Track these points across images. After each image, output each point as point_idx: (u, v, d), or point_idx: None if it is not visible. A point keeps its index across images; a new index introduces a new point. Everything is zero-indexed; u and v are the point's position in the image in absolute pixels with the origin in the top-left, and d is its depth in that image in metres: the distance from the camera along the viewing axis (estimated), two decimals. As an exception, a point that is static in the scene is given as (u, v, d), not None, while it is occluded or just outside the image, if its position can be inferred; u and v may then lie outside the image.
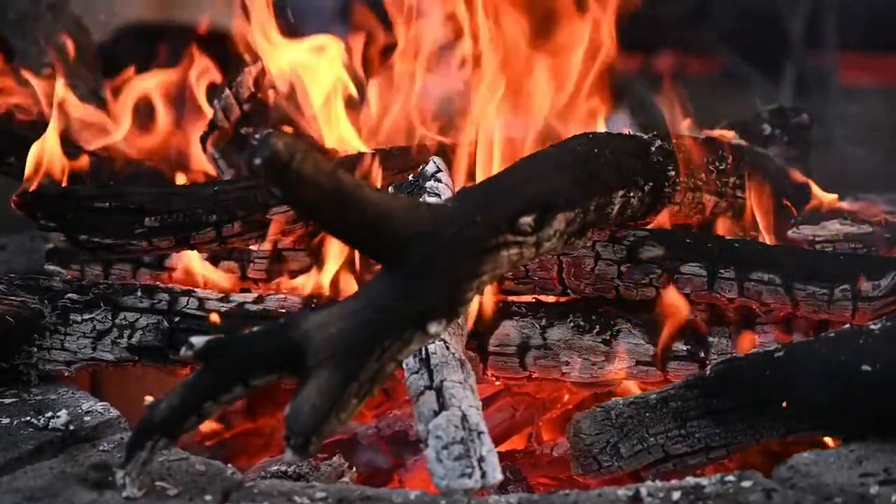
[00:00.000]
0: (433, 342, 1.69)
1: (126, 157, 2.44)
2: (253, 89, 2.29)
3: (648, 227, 1.99)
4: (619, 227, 1.96)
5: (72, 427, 1.80)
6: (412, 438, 2.04)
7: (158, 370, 2.08)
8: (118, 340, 2.01)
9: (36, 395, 1.94)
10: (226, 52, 2.50)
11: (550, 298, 2.05)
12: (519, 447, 2.08)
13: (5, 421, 1.82)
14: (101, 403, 1.88)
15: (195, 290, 2.08)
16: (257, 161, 1.34)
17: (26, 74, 2.45)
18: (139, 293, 2.04)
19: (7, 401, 1.91)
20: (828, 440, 1.75)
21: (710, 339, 1.93)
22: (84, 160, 2.30)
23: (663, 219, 2.02)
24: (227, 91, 2.31)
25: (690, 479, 1.59)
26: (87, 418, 1.83)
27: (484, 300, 1.98)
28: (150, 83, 2.50)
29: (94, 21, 3.04)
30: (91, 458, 1.70)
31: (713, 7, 5.79)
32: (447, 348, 1.72)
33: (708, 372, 1.75)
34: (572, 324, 1.97)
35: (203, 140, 2.37)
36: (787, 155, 2.62)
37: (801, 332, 1.93)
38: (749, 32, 5.63)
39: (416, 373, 1.68)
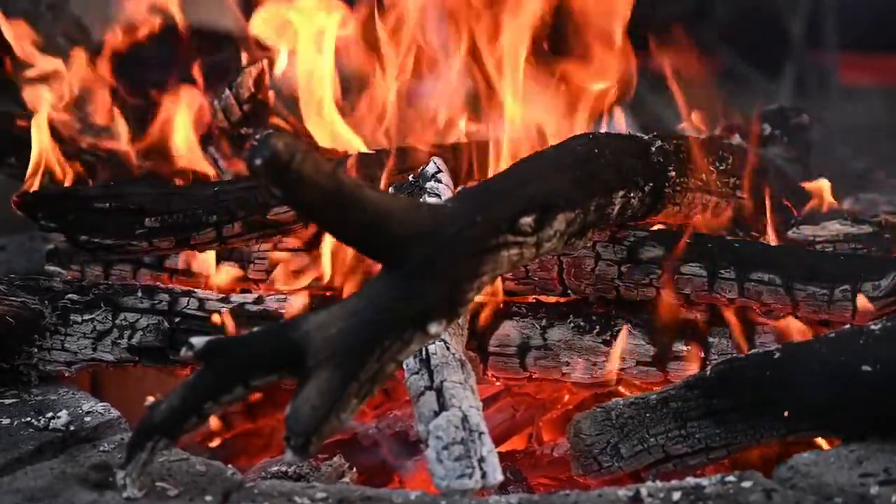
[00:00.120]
0: (433, 342, 1.69)
1: (127, 158, 2.44)
2: (253, 90, 2.29)
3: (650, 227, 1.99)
4: (620, 228, 1.96)
5: (72, 427, 1.80)
6: (412, 439, 2.04)
7: (159, 371, 2.08)
8: (118, 341, 2.01)
9: (36, 396, 1.94)
10: (225, 52, 2.50)
11: (551, 299, 2.05)
12: (519, 447, 2.08)
13: (6, 421, 1.82)
14: (101, 404, 1.88)
15: (195, 290, 2.08)
16: (257, 161, 1.34)
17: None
18: (139, 294, 2.04)
19: (7, 401, 1.91)
20: (823, 441, 1.75)
21: (710, 339, 1.93)
22: (85, 161, 2.30)
23: (663, 219, 2.02)
24: (228, 92, 2.31)
25: (691, 480, 1.59)
26: (87, 419, 1.83)
27: (484, 301, 1.98)
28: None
29: (95, 21, 3.04)
30: (91, 458, 1.70)
31: (713, 7, 5.79)
32: (447, 349, 1.72)
33: (708, 372, 1.75)
34: (573, 324, 1.97)
35: (203, 141, 2.37)
36: (787, 155, 2.62)
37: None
38: (749, 32, 5.63)
39: (417, 373, 1.68)
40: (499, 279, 1.92)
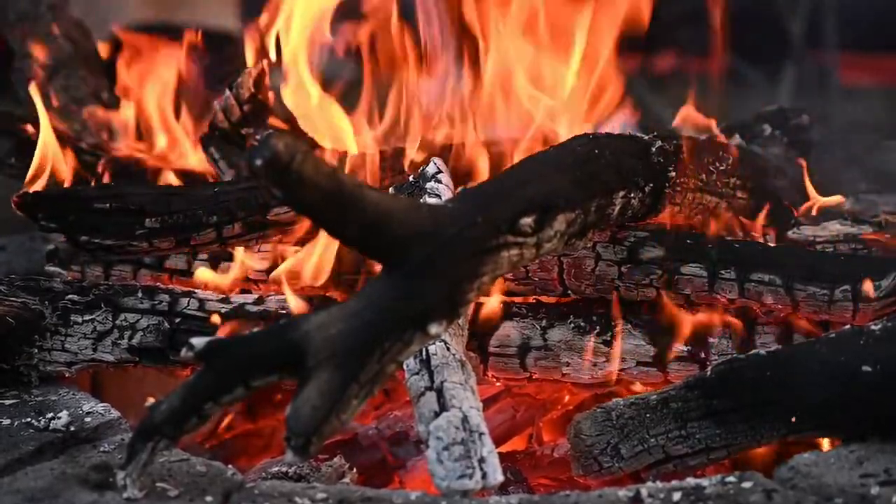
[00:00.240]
0: (434, 343, 1.69)
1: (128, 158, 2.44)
2: (253, 90, 2.29)
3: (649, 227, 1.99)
4: (620, 228, 1.96)
5: (72, 428, 1.80)
6: (413, 439, 2.05)
7: (159, 371, 2.08)
8: (119, 341, 2.01)
9: (37, 397, 1.94)
10: (225, 52, 2.50)
11: (551, 299, 2.05)
12: (519, 448, 2.08)
13: (6, 422, 1.82)
14: (101, 404, 1.88)
15: (195, 290, 2.08)
16: (258, 162, 1.34)
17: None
18: (140, 294, 2.04)
19: (8, 402, 1.91)
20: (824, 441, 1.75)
21: (711, 339, 1.93)
22: (86, 162, 2.31)
23: (664, 219, 2.02)
24: (228, 92, 2.31)
25: (691, 480, 1.59)
26: (87, 419, 1.83)
27: (485, 301, 1.98)
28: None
29: (95, 22, 3.04)
30: (92, 459, 1.70)
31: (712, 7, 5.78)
32: (448, 349, 1.72)
33: (708, 373, 1.75)
34: (573, 325, 1.97)
35: (203, 141, 2.37)
36: (788, 155, 2.62)
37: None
38: (749, 32, 5.63)
39: (417, 374, 1.68)
40: (499, 280, 1.92)
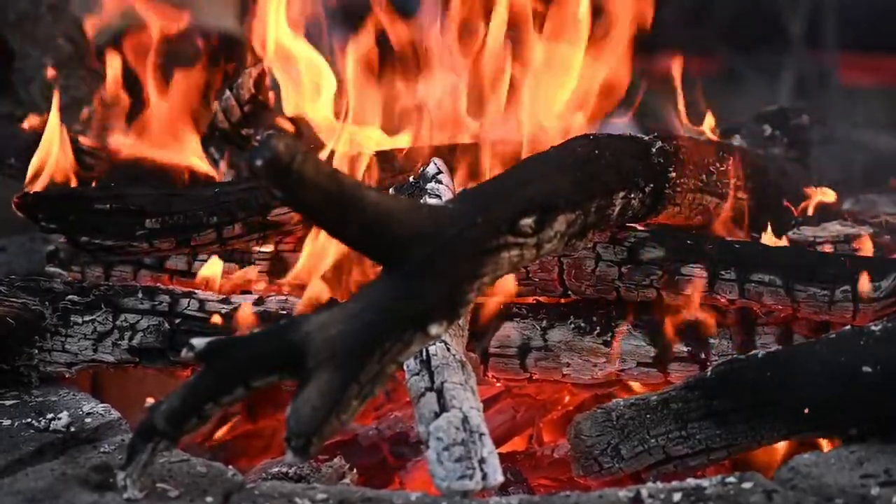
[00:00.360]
0: (434, 344, 1.69)
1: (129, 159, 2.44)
2: (253, 91, 2.29)
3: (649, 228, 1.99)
4: (620, 229, 1.96)
5: (73, 429, 1.80)
6: (413, 440, 2.04)
7: (159, 372, 2.08)
8: (119, 342, 2.01)
9: (37, 397, 1.94)
10: (225, 53, 2.50)
11: (551, 300, 2.05)
12: (520, 448, 2.08)
13: (6, 423, 1.82)
14: (101, 405, 1.88)
15: (196, 291, 2.08)
16: (258, 162, 1.34)
17: None
18: (140, 295, 2.04)
19: (8, 402, 1.91)
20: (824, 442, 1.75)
21: (711, 340, 1.93)
22: (87, 162, 2.30)
23: (664, 220, 2.02)
24: (228, 93, 2.31)
25: (691, 481, 1.59)
26: (88, 420, 1.83)
27: (485, 301, 1.98)
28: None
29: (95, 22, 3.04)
30: (92, 459, 1.70)
31: (713, 7, 5.79)
32: (448, 350, 1.72)
33: (709, 373, 1.75)
34: (573, 325, 1.97)
35: (204, 141, 2.37)
36: (787, 156, 2.62)
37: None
38: (749, 33, 5.63)
39: (417, 374, 1.68)
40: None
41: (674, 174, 1.93)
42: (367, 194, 1.44)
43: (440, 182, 2.01)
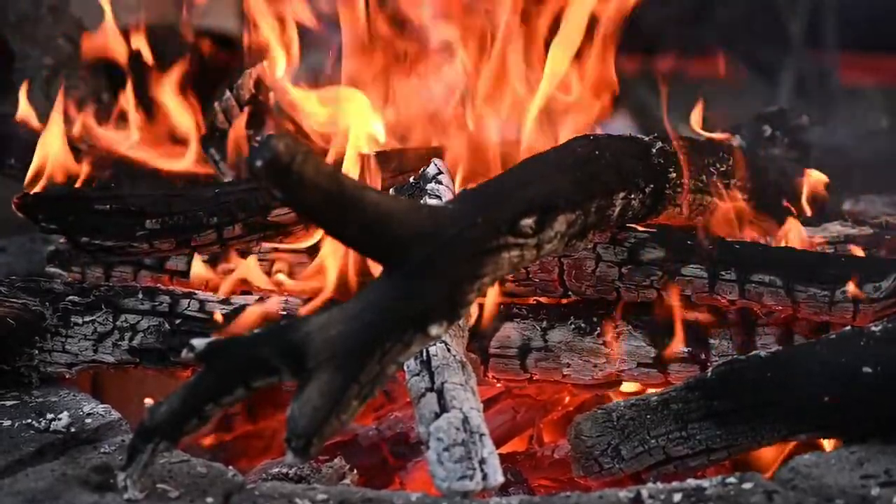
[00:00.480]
0: (434, 344, 1.69)
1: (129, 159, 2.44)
2: (253, 91, 2.29)
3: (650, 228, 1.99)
4: (620, 229, 1.96)
5: (73, 429, 1.80)
6: (413, 440, 2.04)
7: (159, 372, 2.08)
8: (119, 342, 2.01)
9: (37, 398, 1.94)
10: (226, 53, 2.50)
11: (552, 300, 2.05)
12: (520, 449, 2.08)
13: (6, 423, 1.82)
14: (102, 406, 1.88)
15: (196, 292, 2.08)
16: (258, 163, 1.34)
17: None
18: (140, 295, 2.04)
19: (8, 403, 1.91)
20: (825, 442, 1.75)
21: (711, 340, 1.93)
22: (88, 162, 2.30)
23: (664, 220, 2.02)
24: (228, 93, 2.31)
25: (692, 481, 1.59)
26: (88, 420, 1.83)
27: (485, 302, 1.98)
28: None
29: (95, 23, 3.04)
30: (92, 460, 1.70)
31: (713, 7, 5.79)
32: (448, 350, 1.72)
33: (709, 374, 1.75)
34: (573, 326, 1.97)
35: (204, 142, 2.37)
36: (787, 156, 2.62)
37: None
38: (749, 33, 5.63)
39: (417, 375, 1.68)
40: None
41: (674, 174, 1.93)
42: (367, 194, 1.44)
43: (440, 182, 2.01)
